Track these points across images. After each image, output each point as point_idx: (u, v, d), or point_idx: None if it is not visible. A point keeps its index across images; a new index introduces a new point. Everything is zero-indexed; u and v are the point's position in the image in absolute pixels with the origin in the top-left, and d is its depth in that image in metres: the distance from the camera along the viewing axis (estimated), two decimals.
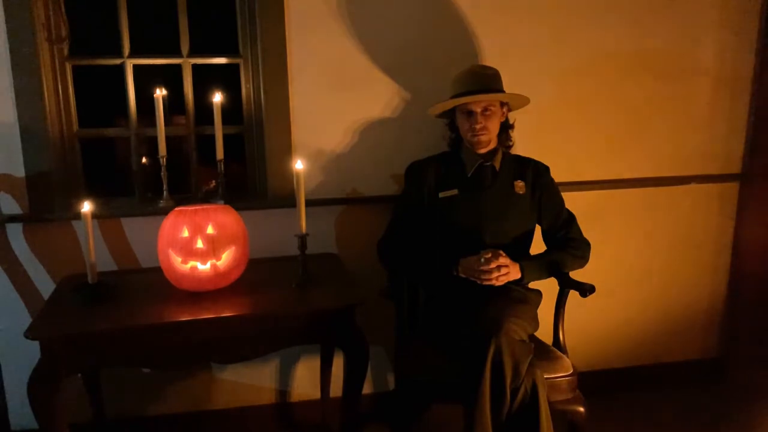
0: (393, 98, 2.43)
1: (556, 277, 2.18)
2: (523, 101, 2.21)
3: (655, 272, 2.79)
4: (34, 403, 1.75)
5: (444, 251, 2.12)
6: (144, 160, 2.52)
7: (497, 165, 2.18)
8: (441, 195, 2.17)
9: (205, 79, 2.47)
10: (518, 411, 1.81)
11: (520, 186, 2.18)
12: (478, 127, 2.10)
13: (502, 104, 2.17)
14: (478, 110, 2.10)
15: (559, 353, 2.10)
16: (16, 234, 2.28)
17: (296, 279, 2.05)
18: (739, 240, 2.81)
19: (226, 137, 2.35)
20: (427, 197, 2.19)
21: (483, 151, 2.17)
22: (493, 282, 1.98)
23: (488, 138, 2.14)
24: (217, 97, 2.29)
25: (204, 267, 1.95)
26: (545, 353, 2.07)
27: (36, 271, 2.32)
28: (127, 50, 2.36)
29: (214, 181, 2.34)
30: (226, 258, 1.98)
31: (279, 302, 1.97)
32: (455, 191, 2.16)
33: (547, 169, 2.24)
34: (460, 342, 1.91)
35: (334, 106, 2.39)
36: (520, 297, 2.07)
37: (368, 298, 2.00)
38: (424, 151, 2.31)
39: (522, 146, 2.31)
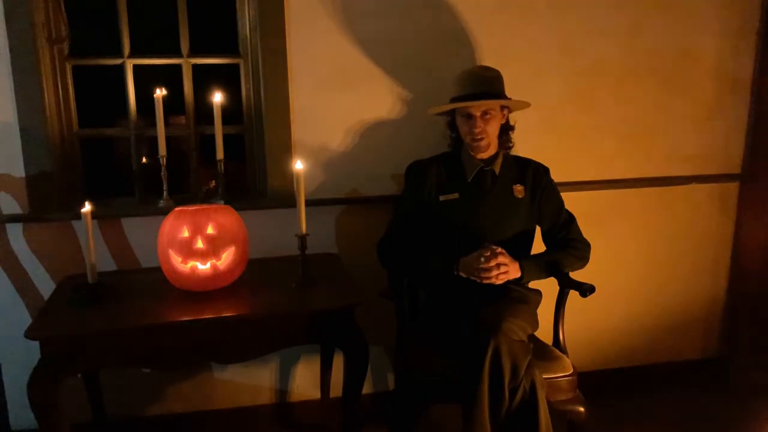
0: (393, 98, 2.42)
1: (555, 277, 2.17)
2: (522, 105, 2.20)
3: (655, 272, 2.79)
4: (34, 403, 1.75)
5: (444, 252, 2.11)
6: (144, 160, 2.52)
7: (497, 169, 2.17)
8: (441, 198, 2.16)
9: (205, 79, 2.47)
10: (517, 411, 1.81)
11: (519, 190, 2.18)
12: (477, 131, 2.09)
13: (503, 107, 2.17)
14: (478, 114, 2.09)
15: (559, 353, 2.10)
16: (16, 234, 2.28)
17: (296, 279, 2.05)
18: (739, 240, 2.81)
19: (226, 137, 2.35)
20: (427, 198, 2.18)
21: (483, 155, 2.17)
22: (493, 280, 1.98)
23: (487, 142, 2.13)
24: (217, 97, 2.29)
25: (204, 267, 1.95)
26: (545, 353, 2.06)
27: (36, 271, 2.32)
28: (127, 50, 2.36)
29: (214, 181, 2.34)
30: (226, 258, 1.98)
31: (279, 302, 1.97)
32: (456, 195, 2.16)
33: (546, 170, 2.24)
34: (459, 342, 1.91)
35: (334, 105, 2.39)
36: (520, 297, 2.07)
37: (368, 298, 2.00)
38: (424, 152, 2.31)
39: (523, 146, 2.31)
